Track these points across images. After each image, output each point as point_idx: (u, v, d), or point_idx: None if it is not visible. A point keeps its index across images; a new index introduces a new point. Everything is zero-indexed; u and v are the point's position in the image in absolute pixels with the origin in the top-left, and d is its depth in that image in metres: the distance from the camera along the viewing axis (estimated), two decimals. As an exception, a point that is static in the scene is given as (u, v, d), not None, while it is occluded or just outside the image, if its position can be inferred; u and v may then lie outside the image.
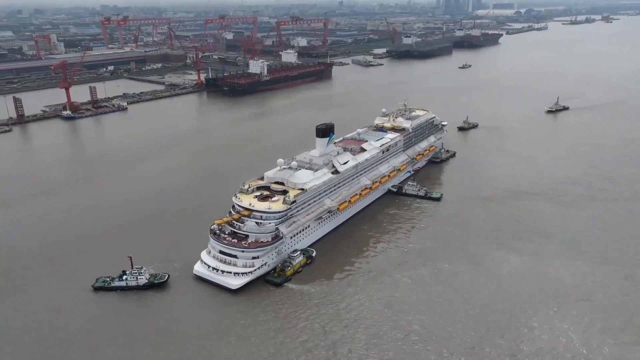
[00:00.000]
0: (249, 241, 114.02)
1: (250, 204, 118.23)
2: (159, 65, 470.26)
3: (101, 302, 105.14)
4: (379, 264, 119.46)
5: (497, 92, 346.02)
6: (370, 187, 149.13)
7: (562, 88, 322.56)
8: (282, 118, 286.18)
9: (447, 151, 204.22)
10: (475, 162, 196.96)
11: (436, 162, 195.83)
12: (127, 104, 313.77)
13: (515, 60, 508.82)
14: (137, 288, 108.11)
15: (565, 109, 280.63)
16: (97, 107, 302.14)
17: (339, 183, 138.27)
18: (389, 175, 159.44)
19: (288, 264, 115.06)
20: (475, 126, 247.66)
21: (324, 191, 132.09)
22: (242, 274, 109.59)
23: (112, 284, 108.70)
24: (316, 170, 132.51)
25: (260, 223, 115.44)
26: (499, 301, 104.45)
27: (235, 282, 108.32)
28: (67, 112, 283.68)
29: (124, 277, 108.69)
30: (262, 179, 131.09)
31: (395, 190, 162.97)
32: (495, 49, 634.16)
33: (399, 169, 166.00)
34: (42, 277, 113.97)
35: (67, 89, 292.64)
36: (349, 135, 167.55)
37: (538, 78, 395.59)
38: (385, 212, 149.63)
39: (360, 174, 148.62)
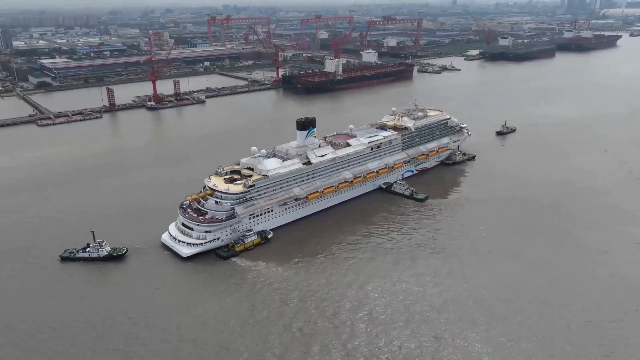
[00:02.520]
0: (207, 217, 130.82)
1: (214, 185, 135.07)
2: (251, 62, 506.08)
3: (67, 270, 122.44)
4: (324, 255, 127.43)
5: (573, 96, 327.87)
6: (351, 182, 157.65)
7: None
8: (343, 116, 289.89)
9: (464, 154, 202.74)
10: (489, 167, 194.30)
11: (448, 164, 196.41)
12: (206, 97, 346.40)
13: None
14: (99, 259, 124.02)
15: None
16: (179, 99, 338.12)
17: (312, 174, 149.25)
18: (377, 172, 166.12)
19: (240, 241, 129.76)
20: (513, 130, 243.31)
21: (292, 179, 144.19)
22: (194, 244, 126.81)
23: (77, 255, 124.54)
24: (285, 159, 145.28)
25: (219, 202, 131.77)
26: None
27: (186, 251, 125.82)
28: (151, 103, 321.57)
29: (87, 249, 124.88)
30: (238, 164, 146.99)
31: (384, 187, 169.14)
32: (609, 53, 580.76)
33: (392, 167, 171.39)
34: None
35: (153, 82, 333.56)
36: (345, 131, 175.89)
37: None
38: (363, 208, 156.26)
39: (343, 168, 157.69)
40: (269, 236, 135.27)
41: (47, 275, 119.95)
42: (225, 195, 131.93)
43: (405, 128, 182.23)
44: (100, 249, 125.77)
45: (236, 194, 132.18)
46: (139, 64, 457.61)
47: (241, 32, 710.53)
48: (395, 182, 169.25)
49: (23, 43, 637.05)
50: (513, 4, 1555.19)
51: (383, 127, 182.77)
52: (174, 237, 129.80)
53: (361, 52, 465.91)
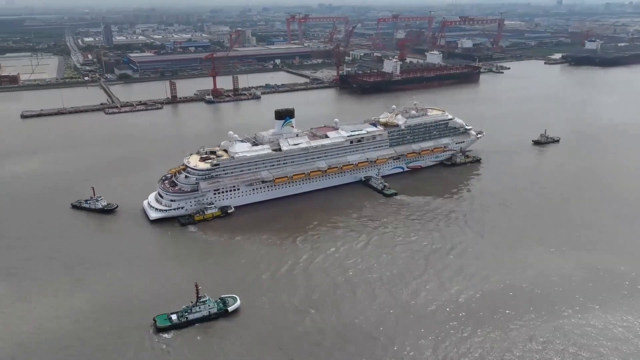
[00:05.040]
0: (175, 188, 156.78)
1: (188, 162, 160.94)
2: (320, 60, 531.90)
3: (74, 215, 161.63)
4: (270, 233, 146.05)
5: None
6: (325, 171, 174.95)
7: None
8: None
9: (467, 156, 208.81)
10: (487, 174, 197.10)
11: (447, 165, 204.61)
12: (262, 93, 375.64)
13: None
14: (95, 210, 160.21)
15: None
16: (236, 94, 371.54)
17: (284, 160, 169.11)
18: (356, 165, 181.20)
19: (201, 212, 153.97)
20: (555, 141, 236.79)
21: (261, 163, 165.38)
22: (161, 210, 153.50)
23: (82, 205, 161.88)
24: (255, 144, 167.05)
25: (187, 176, 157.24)
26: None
27: (153, 215, 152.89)
28: (209, 97, 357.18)
29: (89, 201, 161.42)
30: (219, 146, 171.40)
31: (364, 180, 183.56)
32: None
33: (374, 161, 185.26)
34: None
35: (214, 77, 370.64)
36: (331, 124, 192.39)
37: None
38: (333, 198, 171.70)
39: (319, 158, 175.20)
40: (230, 211, 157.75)
41: (60, 217, 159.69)
42: (192, 170, 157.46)
43: (396, 125, 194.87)
44: (96, 203, 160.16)
45: (201, 170, 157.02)
46: (217, 60, 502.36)
47: (325, 31, 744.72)
48: (373, 176, 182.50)
49: (124, 38, 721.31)
50: (628, 3, 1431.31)
51: (375, 124, 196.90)
52: (149, 203, 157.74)
53: (426, 53, 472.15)
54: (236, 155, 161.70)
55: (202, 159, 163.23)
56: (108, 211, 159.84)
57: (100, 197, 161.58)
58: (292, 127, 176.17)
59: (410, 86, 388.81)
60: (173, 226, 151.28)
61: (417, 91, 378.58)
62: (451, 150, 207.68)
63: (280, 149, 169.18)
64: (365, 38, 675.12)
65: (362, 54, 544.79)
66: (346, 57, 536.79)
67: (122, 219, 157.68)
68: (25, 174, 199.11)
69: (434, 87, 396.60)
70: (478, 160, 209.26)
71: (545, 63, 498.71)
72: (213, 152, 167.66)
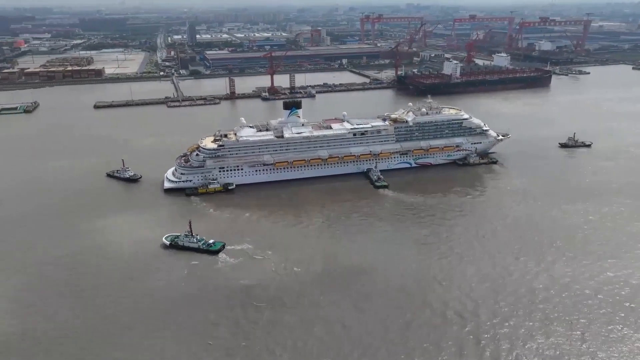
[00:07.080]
0: (187, 164, 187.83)
1: (201, 142, 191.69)
2: (387, 61, 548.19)
3: (108, 181, 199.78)
4: (253, 211, 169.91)
5: None
6: (325, 160, 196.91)
7: None
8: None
9: (482, 157, 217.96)
10: (496, 178, 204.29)
11: (459, 164, 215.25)
12: (317, 92, 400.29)
13: None
14: (123, 179, 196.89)
15: None
16: (291, 92, 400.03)
17: (286, 146, 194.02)
18: (358, 157, 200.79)
19: (205, 186, 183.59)
20: (587, 145, 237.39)
21: (265, 147, 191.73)
22: (172, 181, 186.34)
23: (114, 175, 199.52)
24: (260, 130, 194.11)
25: (198, 154, 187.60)
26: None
27: (166, 185, 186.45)
28: (265, 94, 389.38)
29: (119, 171, 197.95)
30: (233, 130, 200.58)
31: (366, 171, 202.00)
32: None
33: (377, 155, 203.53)
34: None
35: (271, 75, 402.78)
36: (340, 117, 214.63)
37: None
38: (330, 186, 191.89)
39: (321, 147, 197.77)
40: (231, 188, 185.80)
41: (96, 181, 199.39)
42: (202, 149, 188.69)
43: (405, 122, 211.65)
44: (124, 173, 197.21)
45: (208, 149, 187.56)
46: (286, 58, 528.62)
47: (404, 32, 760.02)
48: (372, 168, 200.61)
49: (210, 36, 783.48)
50: None
51: (385, 119, 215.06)
52: (166, 176, 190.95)
53: (493, 55, 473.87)
54: (241, 139, 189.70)
55: (214, 140, 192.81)
56: (133, 180, 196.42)
57: (128, 168, 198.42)
58: (298, 117, 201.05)
59: (471, 89, 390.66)
60: (180, 195, 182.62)
61: (476, 94, 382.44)
62: (465, 150, 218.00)
63: (282, 136, 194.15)
64: (443, 39, 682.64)
65: (432, 55, 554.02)
66: (415, 58, 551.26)
67: (142, 187, 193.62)
68: (82, 156, 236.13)
69: (498, 91, 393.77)
70: (494, 162, 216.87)
71: (633, 68, 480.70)
72: (225, 135, 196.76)
